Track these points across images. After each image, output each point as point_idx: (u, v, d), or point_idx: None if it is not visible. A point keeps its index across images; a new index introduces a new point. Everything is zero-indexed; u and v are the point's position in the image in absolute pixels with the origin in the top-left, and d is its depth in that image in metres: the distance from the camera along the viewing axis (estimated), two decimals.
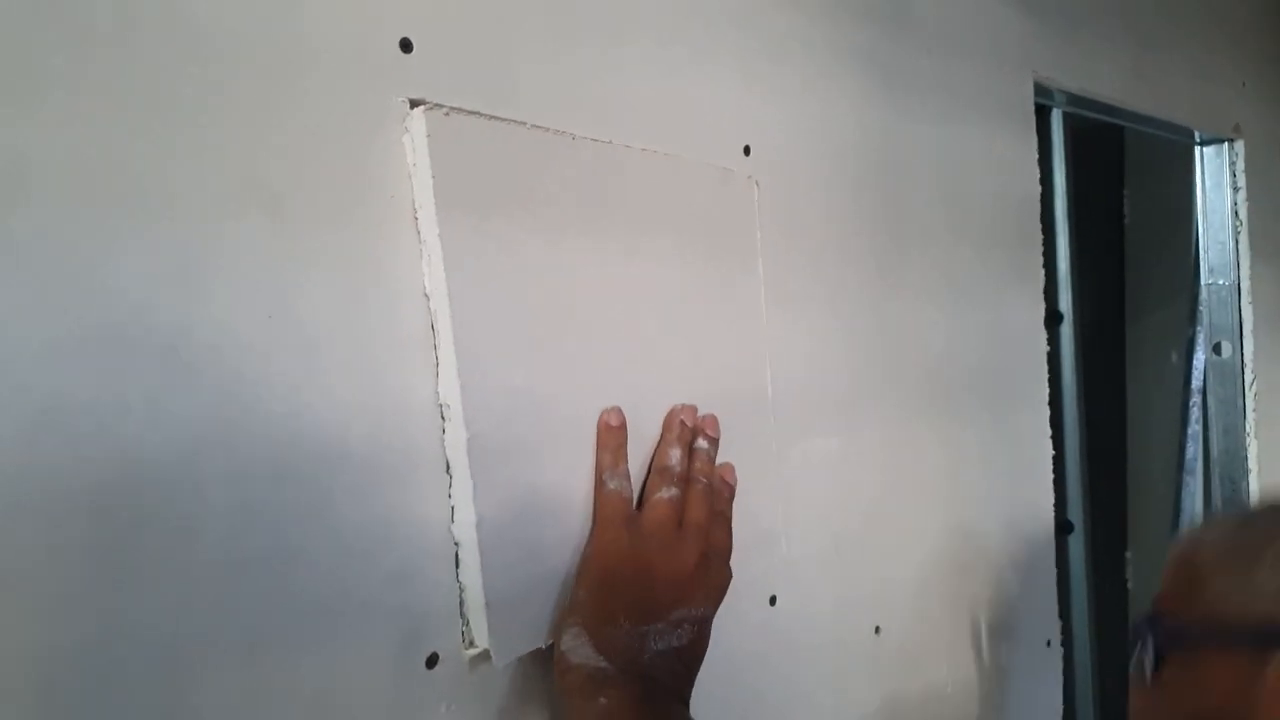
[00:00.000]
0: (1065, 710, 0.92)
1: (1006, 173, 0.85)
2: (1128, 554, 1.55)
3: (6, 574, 0.33)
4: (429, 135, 0.43)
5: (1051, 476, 0.90)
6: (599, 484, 0.50)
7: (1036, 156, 0.88)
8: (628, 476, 0.50)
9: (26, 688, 0.33)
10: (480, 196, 0.46)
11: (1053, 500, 0.90)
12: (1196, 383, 1.43)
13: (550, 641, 0.48)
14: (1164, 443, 1.48)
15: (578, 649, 0.46)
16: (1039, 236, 0.89)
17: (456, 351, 0.44)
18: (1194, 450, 1.43)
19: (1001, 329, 0.84)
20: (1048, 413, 0.89)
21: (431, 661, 0.44)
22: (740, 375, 0.59)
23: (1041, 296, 0.90)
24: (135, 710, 0.35)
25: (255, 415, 0.39)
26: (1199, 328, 1.40)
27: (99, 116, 0.35)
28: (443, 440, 0.45)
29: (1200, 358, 1.41)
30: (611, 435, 0.51)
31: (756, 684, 0.60)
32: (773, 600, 0.61)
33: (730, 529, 0.54)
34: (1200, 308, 1.39)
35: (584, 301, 0.50)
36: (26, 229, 0.33)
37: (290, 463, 0.39)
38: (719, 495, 0.54)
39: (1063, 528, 0.97)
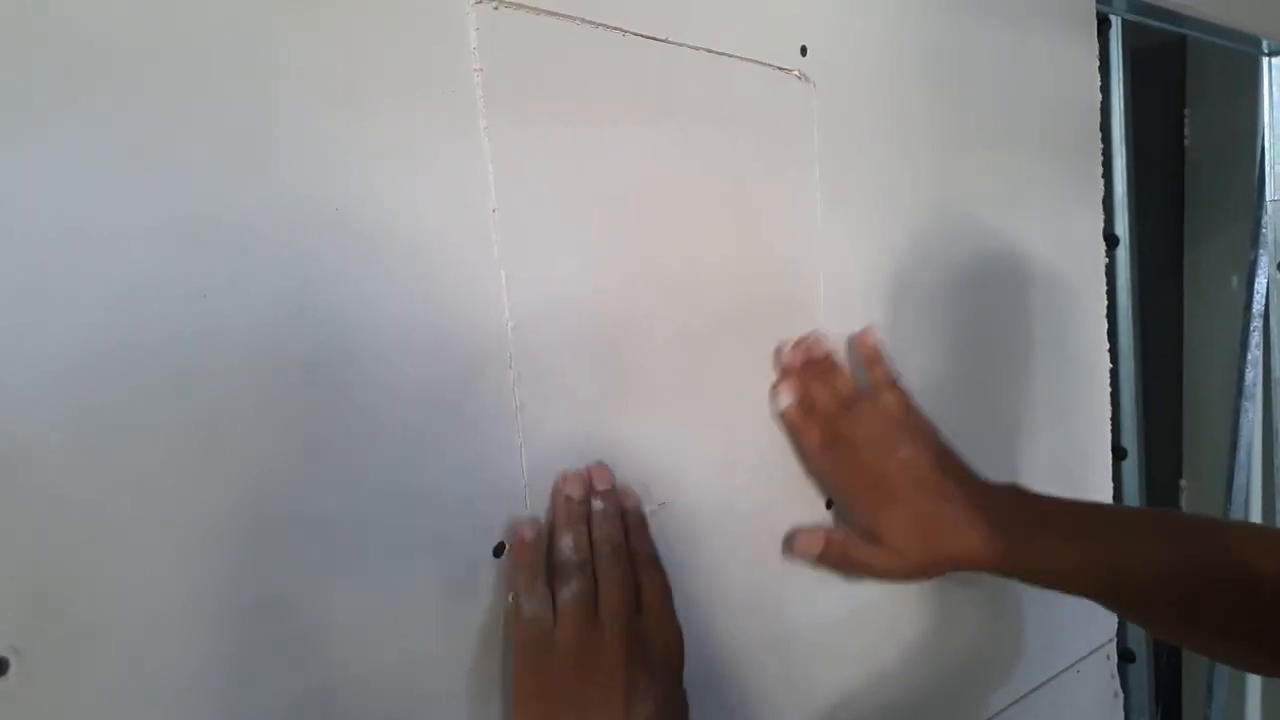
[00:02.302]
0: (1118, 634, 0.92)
1: (1067, 81, 0.82)
2: (1182, 482, 1.54)
3: (99, 453, 0.34)
4: (477, 29, 0.43)
5: (1109, 392, 0.89)
6: (515, 611, 0.44)
7: (1098, 63, 0.85)
8: (546, 598, 0.44)
9: (107, 568, 0.35)
10: (530, 92, 0.46)
11: (1109, 406, 0.89)
12: (1258, 306, 1.39)
13: None
14: (1222, 369, 1.45)
15: None
16: (1099, 147, 0.87)
17: (501, 244, 0.45)
18: (1253, 376, 1.40)
19: (1061, 241, 0.82)
20: (1105, 326, 0.87)
21: (498, 551, 0.46)
22: (792, 279, 0.59)
23: (1101, 210, 0.88)
24: (216, 586, 0.37)
25: (327, 303, 0.39)
26: (1261, 250, 1.36)
27: (170, 2, 0.35)
28: (508, 335, 0.45)
29: (1262, 280, 1.38)
30: (525, 552, 0.45)
31: (819, 577, 0.61)
32: (829, 504, 0.62)
33: (657, 570, 0.48)
34: (1264, 229, 1.35)
35: (633, 201, 0.50)
36: (103, 114, 0.34)
37: (362, 349, 0.40)
38: (635, 545, 0.47)
39: (1117, 454, 0.96)
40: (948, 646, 0.72)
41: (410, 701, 0.43)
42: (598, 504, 0.47)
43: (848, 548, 0.57)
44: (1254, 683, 1.43)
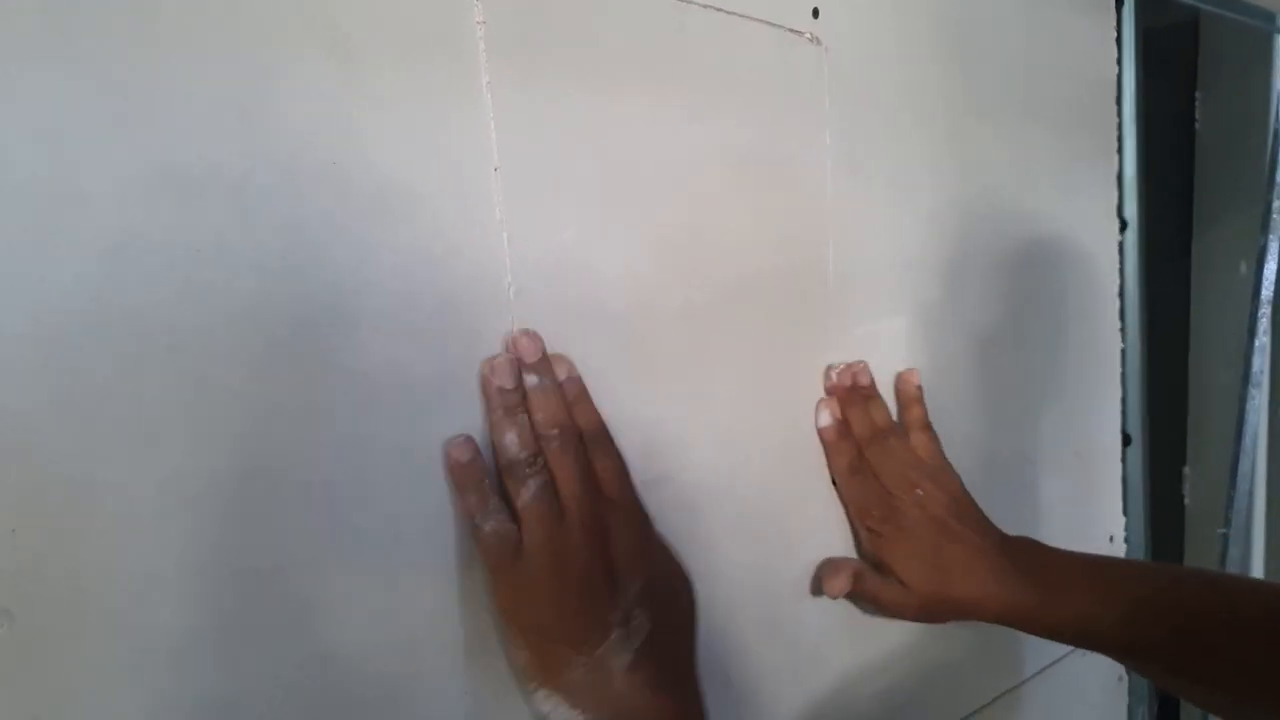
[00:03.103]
0: None
1: (1082, 55, 0.80)
2: (1185, 469, 1.52)
3: (87, 412, 0.33)
4: None
5: (1120, 374, 0.87)
6: (474, 532, 0.42)
7: (1115, 35, 0.84)
8: (501, 509, 0.42)
9: (99, 524, 0.33)
10: (534, 47, 0.44)
11: (1120, 390, 0.87)
12: (1266, 292, 1.38)
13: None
14: (1229, 356, 1.44)
15: (556, 712, 0.41)
16: (1114, 124, 0.85)
17: (503, 205, 0.43)
18: (1261, 363, 1.39)
19: (1074, 217, 0.80)
20: (1118, 305, 0.86)
21: None
22: (800, 249, 0.57)
23: (1115, 187, 0.86)
24: (209, 550, 0.36)
25: (322, 261, 0.38)
26: (1271, 235, 1.35)
27: None
28: (510, 299, 0.44)
29: (1271, 267, 1.36)
30: (465, 473, 0.42)
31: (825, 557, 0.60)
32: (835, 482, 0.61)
33: (609, 451, 0.45)
34: (1274, 214, 1.34)
35: (640, 164, 0.49)
36: (91, 61, 0.32)
37: (358, 311, 0.39)
38: (582, 423, 0.45)
39: (1123, 440, 0.95)
40: (953, 627, 0.71)
41: (408, 669, 0.42)
42: (531, 379, 0.44)
43: (863, 577, 0.59)
44: None
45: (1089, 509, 0.86)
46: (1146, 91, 1.03)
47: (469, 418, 0.43)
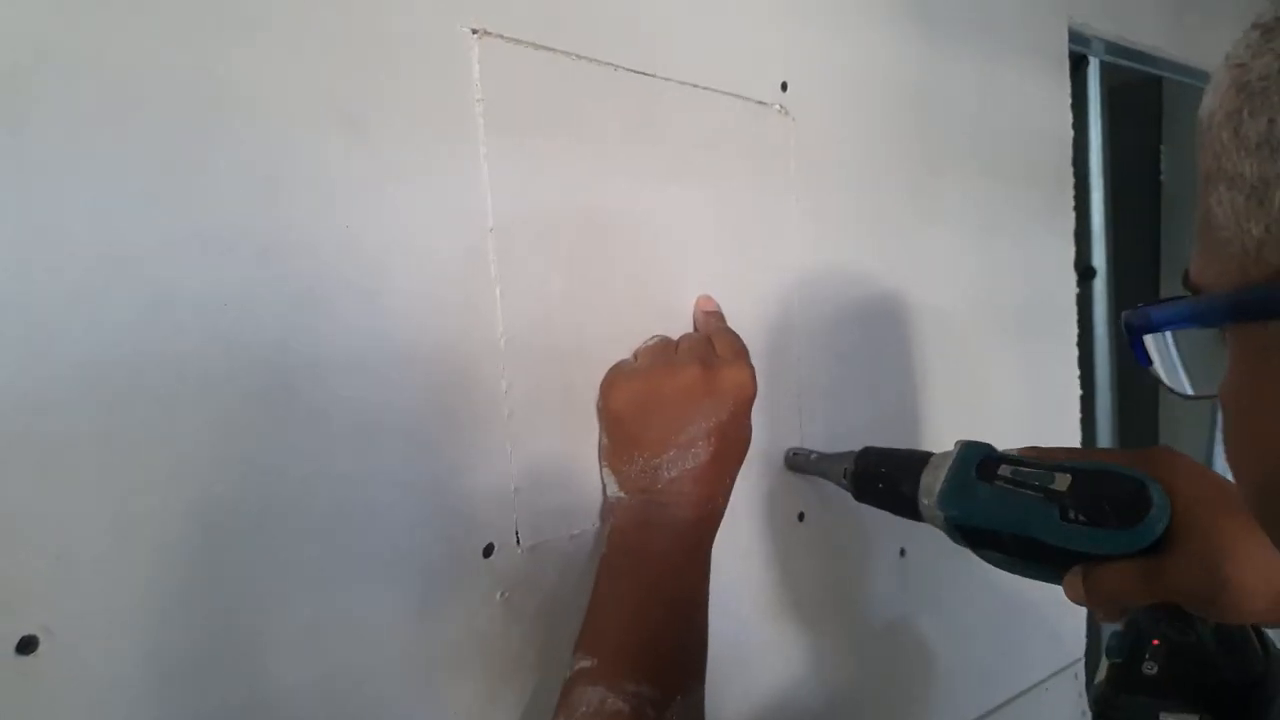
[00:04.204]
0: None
1: (1040, 115, 0.86)
2: None
3: (126, 450, 0.37)
4: (480, 62, 0.47)
5: (1079, 417, 0.92)
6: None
7: (1070, 100, 0.90)
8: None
9: (134, 551, 0.37)
10: (527, 120, 0.49)
11: (1079, 435, 0.92)
12: None
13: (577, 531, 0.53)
14: (1198, 403, 1.48)
15: (609, 486, 0.52)
16: (1070, 179, 0.91)
17: (497, 263, 0.48)
18: None
19: (1031, 269, 0.86)
20: (1076, 353, 0.91)
21: (488, 551, 0.48)
22: (769, 301, 0.62)
23: (1072, 240, 0.92)
24: (229, 576, 0.40)
25: (335, 314, 0.43)
26: None
27: (196, 34, 0.38)
28: (501, 348, 0.49)
29: None
30: None
31: (782, 594, 0.64)
32: (800, 516, 0.65)
33: (733, 332, 0.55)
34: None
35: (621, 224, 0.54)
36: (137, 141, 0.37)
37: (367, 358, 0.43)
38: (709, 318, 0.57)
39: None
40: (915, 660, 0.75)
41: (401, 695, 0.45)
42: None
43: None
44: None
45: None
46: (1113, 144, 1.09)
47: (464, 452, 0.47)
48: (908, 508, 0.53)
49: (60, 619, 0.35)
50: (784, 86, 0.62)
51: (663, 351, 0.53)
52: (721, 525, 0.58)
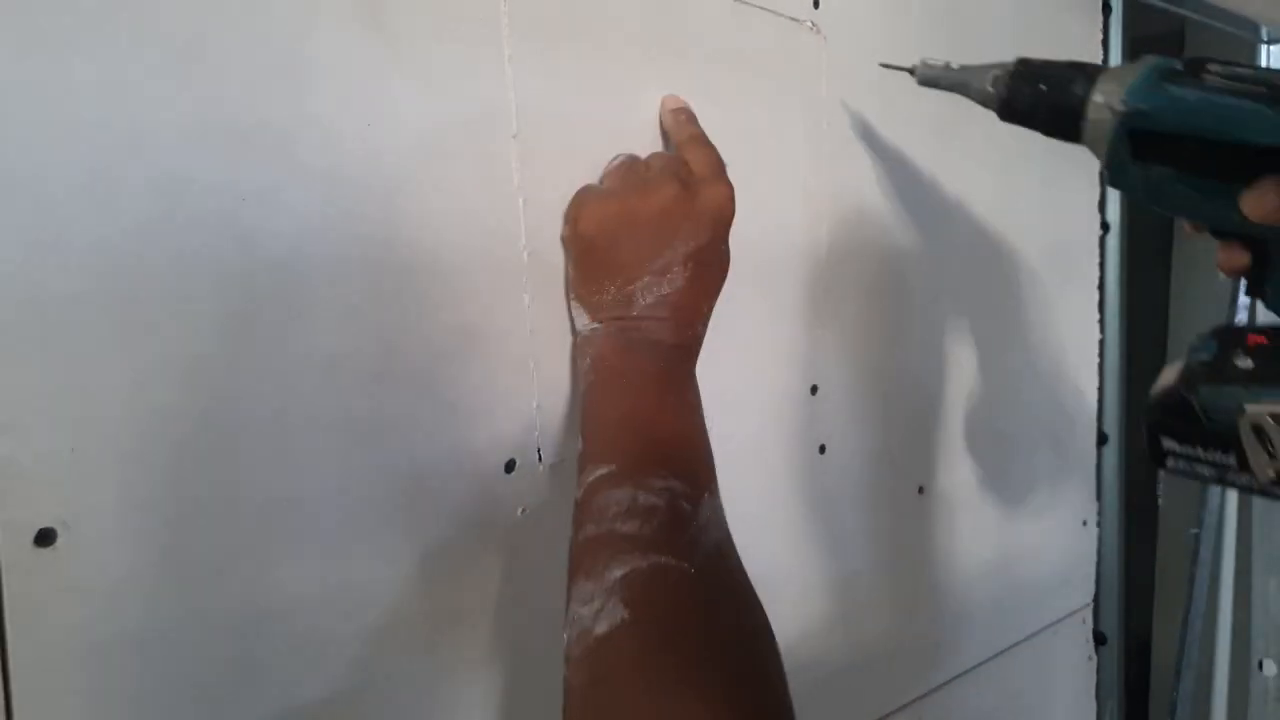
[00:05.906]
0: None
1: (1073, 53, 0.84)
2: (1161, 472, 1.56)
3: (137, 339, 0.36)
4: None
5: (1097, 361, 0.91)
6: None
7: (1101, 38, 0.87)
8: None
9: (150, 447, 0.36)
10: (553, 24, 0.48)
11: (1097, 384, 0.91)
12: (1243, 299, 1.42)
13: None
14: None
15: (578, 320, 0.48)
16: None
17: (520, 171, 0.47)
18: None
19: (1058, 209, 0.84)
20: (1097, 297, 0.90)
21: (509, 466, 0.48)
22: (793, 231, 0.61)
23: (1098, 186, 0.90)
24: (245, 479, 0.39)
25: (355, 215, 0.41)
26: None
27: None
28: (524, 261, 0.47)
29: None
30: None
31: (804, 528, 0.63)
32: (822, 449, 0.64)
33: (709, 143, 0.50)
34: None
35: (645, 138, 0.52)
36: (149, 20, 0.35)
37: (387, 264, 0.42)
38: (679, 120, 0.51)
39: (1099, 439, 0.98)
40: (931, 598, 0.75)
41: (417, 607, 0.45)
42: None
43: None
44: (1221, 668, 1.46)
45: (1065, 494, 0.90)
46: None
47: (487, 367, 0.46)
48: (1068, 116, 0.48)
49: (78, 513, 0.34)
50: (816, 3, 0.60)
51: (633, 170, 0.49)
52: (743, 455, 0.58)
